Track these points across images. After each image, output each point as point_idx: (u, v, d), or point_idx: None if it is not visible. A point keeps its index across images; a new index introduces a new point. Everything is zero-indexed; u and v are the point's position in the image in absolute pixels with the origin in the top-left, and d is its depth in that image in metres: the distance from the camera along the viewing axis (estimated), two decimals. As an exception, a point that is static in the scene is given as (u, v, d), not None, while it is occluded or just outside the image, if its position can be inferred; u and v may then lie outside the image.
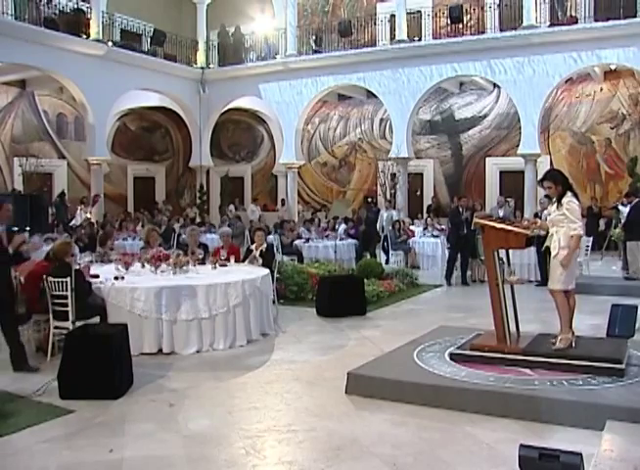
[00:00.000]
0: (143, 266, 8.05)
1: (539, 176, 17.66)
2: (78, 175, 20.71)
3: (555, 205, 5.84)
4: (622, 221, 12.36)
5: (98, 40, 17.61)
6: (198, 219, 19.50)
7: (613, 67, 17.74)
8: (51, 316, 6.56)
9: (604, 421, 3.95)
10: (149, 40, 19.86)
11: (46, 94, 20.01)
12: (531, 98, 16.44)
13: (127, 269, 7.79)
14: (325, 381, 5.94)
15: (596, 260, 14.72)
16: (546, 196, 15.35)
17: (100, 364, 5.38)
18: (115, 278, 7.24)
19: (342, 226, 16.15)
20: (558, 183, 5.84)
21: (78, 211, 16.79)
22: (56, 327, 6.56)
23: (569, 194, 5.77)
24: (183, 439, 4.60)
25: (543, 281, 11.86)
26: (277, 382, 5.97)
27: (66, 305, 6.46)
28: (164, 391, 5.69)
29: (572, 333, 5.84)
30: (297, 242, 14.52)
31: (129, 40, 19.38)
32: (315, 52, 19.84)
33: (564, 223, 5.68)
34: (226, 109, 21.72)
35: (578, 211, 5.71)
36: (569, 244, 5.67)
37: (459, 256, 12.24)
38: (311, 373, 6.25)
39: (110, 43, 18.14)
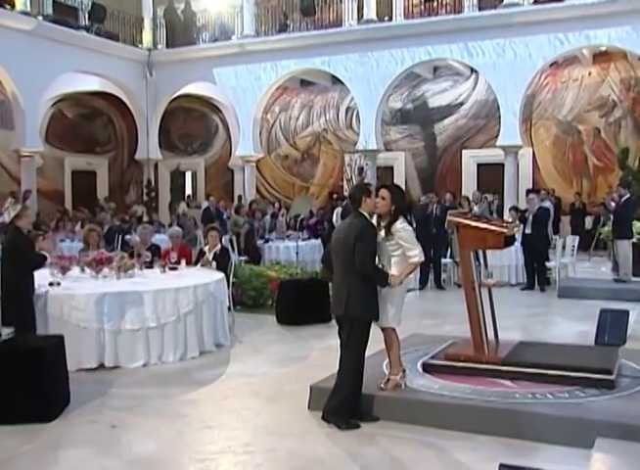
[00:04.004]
0: (82, 271, 7.97)
1: (520, 170, 18.06)
2: (6, 168, 20.23)
3: (381, 231, 5.31)
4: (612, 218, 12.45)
5: (25, 12, 17.08)
6: (145, 218, 19.33)
7: (603, 48, 17.81)
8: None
9: (593, 438, 3.98)
10: (86, 15, 19.52)
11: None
12: (512, 84, 16.55)
13: (64, 274, 7.68)
14: (286, 396, 5.94)
15: (584, 261, 14.97)
16: (532, 191, 15.58)
17: (30, 383, 5.26)
18: (50, 284, 7.12)
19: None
20: (395, 202, 5.30)
21: (5, 207, 16.41)
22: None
23: (400, 218, 5.30)
24: (127, 465, 4.55)
25: (530, 284, 12.07)
26: (233, 398, 5.95)
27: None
28: (106, 410, 5.62)
29: (404, 371, 5.61)
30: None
31: (63, 15, 18.90)
32: (280, 32, 19.73)
33: (395, 253, 5.28)
34: (176, 95, 21.53)
35: (413, 236, 5.31)
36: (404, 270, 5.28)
37: (432, 257, 12.36)
38: (271, 387, 6.24)
39: (39, 17, 17.63)
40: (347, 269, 5.10)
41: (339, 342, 5.30)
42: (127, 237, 14.31)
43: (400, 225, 5.27)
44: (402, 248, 5.26)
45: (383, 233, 5.30)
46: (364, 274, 5.06)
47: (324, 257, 5.60)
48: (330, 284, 5.66)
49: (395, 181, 21.18)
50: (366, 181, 17.98)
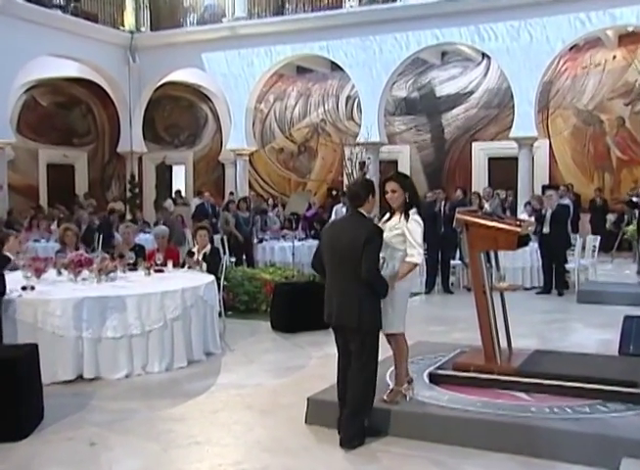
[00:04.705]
0: (59, 274, 7.95)
1: (535, 164, 18.06)
2: (-28, 161, 20.30)
3: (392, 220, 5.39)
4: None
5: (-10, -12, 16.95)
6: (128, 216, 19.33)
7: (630, 29, 17.59)
8: None
9: (618, 458, 3.94)
10: (62, -7, 19.46)
11: None
12: (528, 70, 16.53)
13: (39, 278, 7.65)
14: (281, 409, 5.93)
15: (605, 263, 14.98)
16: (549, 187, 15.55)
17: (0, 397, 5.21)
18: (23, 288, 7.08)
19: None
20: (406, 190, 5.38)
21: None
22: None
23: (414, 210, 5.35)
24: (107, 483, 4.55)
25: (547, 288, 12.07)
26: (223, 411, 5.94)
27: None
28: (85, 426, 5.59)
29: (410, 381, 5.62)
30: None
31: (34, -9, 18.85)
32: (275, 14, 19.71)
33: (401, 246, 5.29)
34: (162, 83, 21.56)
35: (420, 234, 5.31)
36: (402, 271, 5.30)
37: (440, 258, 12.37)
38: (265, 400, 6.23)
39: (8, -7, 17.54)
40: (357, 276, 4.99)
41: (335, 352, 5.28)
42: (115, 236, 14.24)
43: (413, 216, 5.30)
44: (405, 242, 5.25)
45: (393, 222, 5.33)
46: (368, 282, 5.03)
47: (315, 260, 5.49)
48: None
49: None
50: (368, 177, 18.04)
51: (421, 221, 5.33)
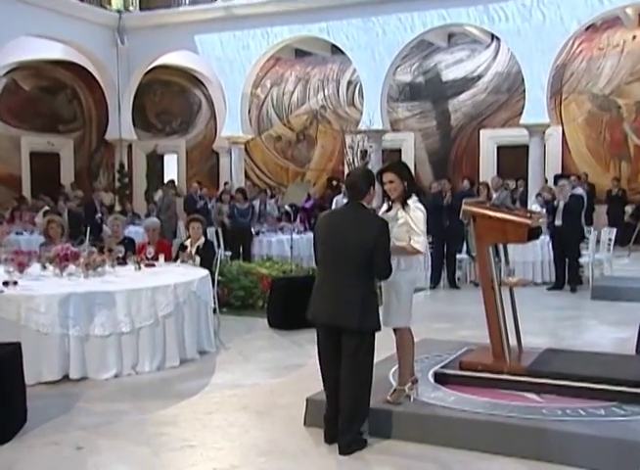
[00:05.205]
0: (44, 268, 7.94)
1: (547, 152, 18.04)
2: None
3: (391, 210, 5.47)
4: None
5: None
6: (118, 207, 19.33)
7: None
8: None
9: (636, 464, 3.93)
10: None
11: None
12: (540, 52, 16.46)
13: (22, 272, 7.65)
14: (279, 410, 5.93)
15: (622, 257, 14.98)
16: (561, 176, 15.55)
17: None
18: (5, 283, 7.07)
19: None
20: (404, 179, 5.43)
21: None
22: None
23: (414, 197, 5.45)
24: (95, 489, 4.56)
25: (559, 283, 12.08)
26: (218, 412, 5.94)
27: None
28: (71, 429, 5.58)
29: (415, 381, 5.64)
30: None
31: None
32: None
33: (406, 237, 5.34)
34: (152, 66, 21.56)
35: (424, 222, 5.38)
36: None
37: (445, 252, 12.40)
38: (261, 400, 6.24)
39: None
40: (361, 275, 4.97)
41: (325, 354, 5.21)
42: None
43: (414, 204, 5.34)
44: (409, 231, 5.28)
45: (393, 213, 5.38)
46: (382, 279, 5.03)
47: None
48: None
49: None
50: (370, 166, 18.04)
51: (423, 208, 5.38)
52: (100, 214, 15.98)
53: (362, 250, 4.92)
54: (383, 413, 5.31)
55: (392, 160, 20.21)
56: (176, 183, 21.62)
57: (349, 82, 22.00)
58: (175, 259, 9.31)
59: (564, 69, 19.17)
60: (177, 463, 4.92)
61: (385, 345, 5.49)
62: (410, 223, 5.29)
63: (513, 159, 19.20)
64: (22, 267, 7.71)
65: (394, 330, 5.49)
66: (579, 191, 13.58)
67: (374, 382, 5.28)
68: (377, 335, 5.11)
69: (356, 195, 5.14)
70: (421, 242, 5.27)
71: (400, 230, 5.30)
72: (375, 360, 5.24)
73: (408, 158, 21.31)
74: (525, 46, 16.63)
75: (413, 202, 5.37)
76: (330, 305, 5.06)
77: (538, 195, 13.65)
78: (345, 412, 5.03)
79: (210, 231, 13.87)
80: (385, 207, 5.53)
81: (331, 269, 5.09)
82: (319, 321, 5.16)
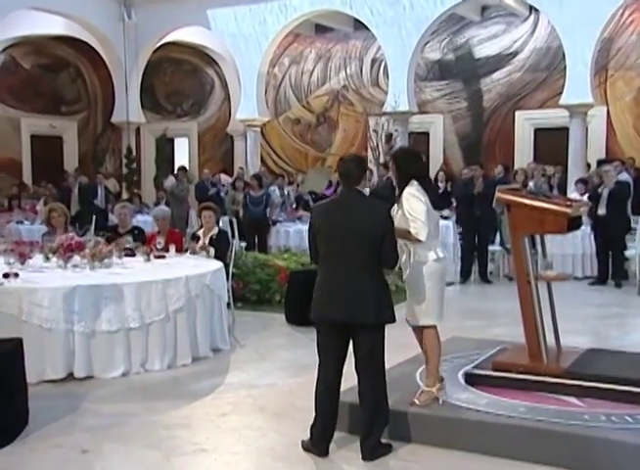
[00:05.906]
0: (47, 259, 8.00)
1: (590, 135, 17.86)
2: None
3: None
4: None
5: None
6: (125, 195, 19.42)
7: None
8: None
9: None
10: None
11: None
12: (584, 25, 15.98)
13: (23, 264, 7.72)
14: (297, 412, 5.94)
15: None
16: (604, 161, 15.41)
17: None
18: (5, 276, 7.12)
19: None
20: (398, 168, 5.56)
21: None
22: None
23: (414, 183, 5.43)
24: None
25: (602, 278, 12.03)
26: (233, 414, 5.98)
27: None
28: (75, 431, 5.63)
29: (442, 381, 5.66)
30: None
31: None
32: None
33: (407, 226, 5.35)
34: (161, 43, 21.56)
35: (419, 207, 5.31)
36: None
37: (477, 243, 12.38)
38: (279, 401, 6.27)
39: None
40: (371, 265, 5.00)
41: (324, 357, 5.16)
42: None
43: (408, 191, 5.37)
44: (407, 220, 5.30)
45: (396, 206, 5.43)
46: (389, 268, 5.09)
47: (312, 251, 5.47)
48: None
49: (432, 150, 21.19)
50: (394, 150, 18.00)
51: (418, 193, 5.35)
52: (104, 201, 16.07)
53: (371, 238, 4.94)
54: (407, 416, 5.33)
55: (420, 143, 20.25)
56: (187, 169, 21.75)
57: (374, 60, 21.91)
58: (187, 251, 9.32)
59: (611, 42, 18.83)
60: (189, 468, 4.95)
61: (414, 343, 5.49)
62: (406, 215, 5.31)
63: (551, 142, 19.02)
64: (23, 258, 7.77)
65: (420, 328, 5.49)
66: (625, 177, 13.49)
67: (398, 383, 5.29)
68: (401, 335, 5.13)
69: (352, 182, 5.16)
70: (418, 227, 5.25)
71: (403, 220, 5.32)
72: (401, 360, 5.25)
73: (437, 141, 21.27)
74: (567, 18, 16.26)
75: (410, 189, 5.38)
76: (340, 301, 5.00)
77: (578, 181, 13.56)
78: (367, 415, 5.05)
79: (224, 220, 13.89)
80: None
81: (337, 263, 5.05)
82: (329, 320, 5.07)
